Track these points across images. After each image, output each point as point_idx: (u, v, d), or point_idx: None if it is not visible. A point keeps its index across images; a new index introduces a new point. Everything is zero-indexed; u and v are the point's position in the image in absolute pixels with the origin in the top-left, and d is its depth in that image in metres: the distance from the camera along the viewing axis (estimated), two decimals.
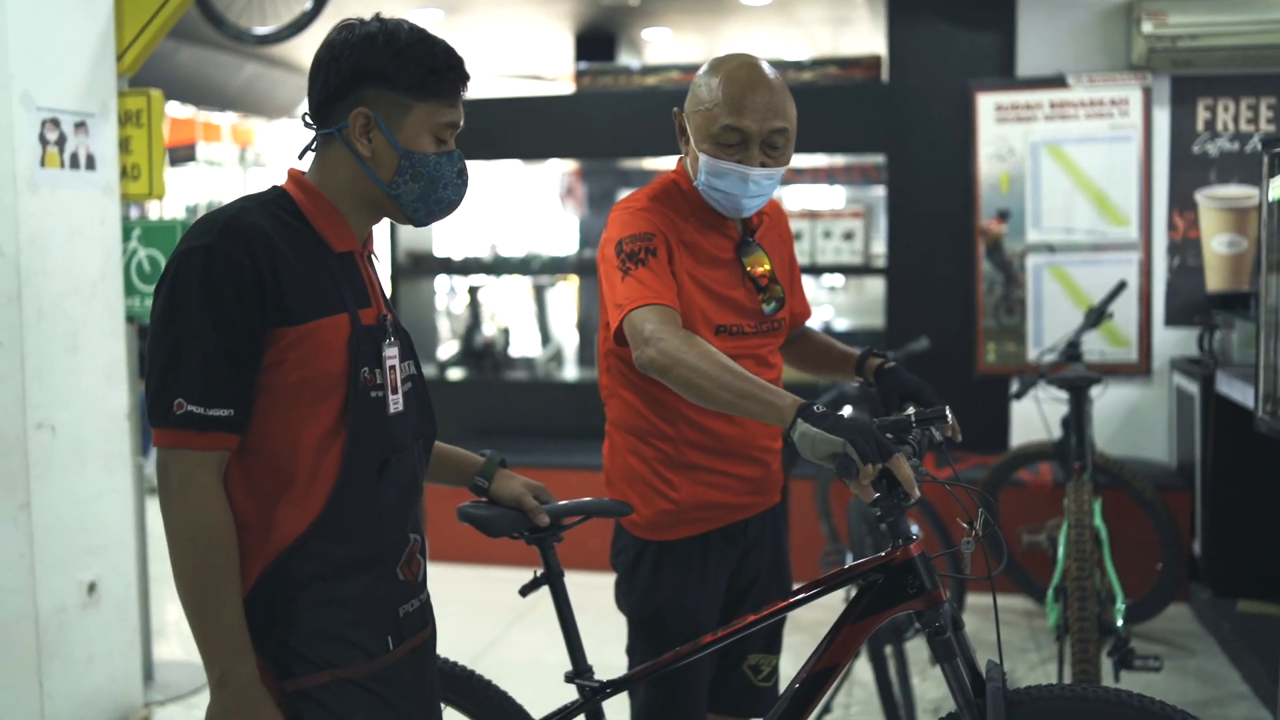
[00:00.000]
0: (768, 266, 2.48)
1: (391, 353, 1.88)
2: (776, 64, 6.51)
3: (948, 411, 2.15)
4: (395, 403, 1.87)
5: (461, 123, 1.89)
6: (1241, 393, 4.39)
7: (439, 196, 1.88)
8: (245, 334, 1.71)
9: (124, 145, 4.07)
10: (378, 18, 1.85)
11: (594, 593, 2.76)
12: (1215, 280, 5.57)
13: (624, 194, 2.54)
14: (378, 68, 1.79)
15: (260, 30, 5.31)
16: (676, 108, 2.46)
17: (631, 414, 2.46)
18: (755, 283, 2.45)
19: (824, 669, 2.10)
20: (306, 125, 1.88)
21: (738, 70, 2.32)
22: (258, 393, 1.75)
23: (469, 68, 1.89)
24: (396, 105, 1.81)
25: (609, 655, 2.75)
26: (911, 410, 2.18)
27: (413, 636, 1.92)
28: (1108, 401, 5.46)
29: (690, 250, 2.39)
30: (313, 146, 1.90)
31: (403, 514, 1.89)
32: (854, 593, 2.14)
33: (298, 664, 1.77)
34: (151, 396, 1.72)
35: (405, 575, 1.90)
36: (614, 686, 2.28)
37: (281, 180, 1.91)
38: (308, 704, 1.77)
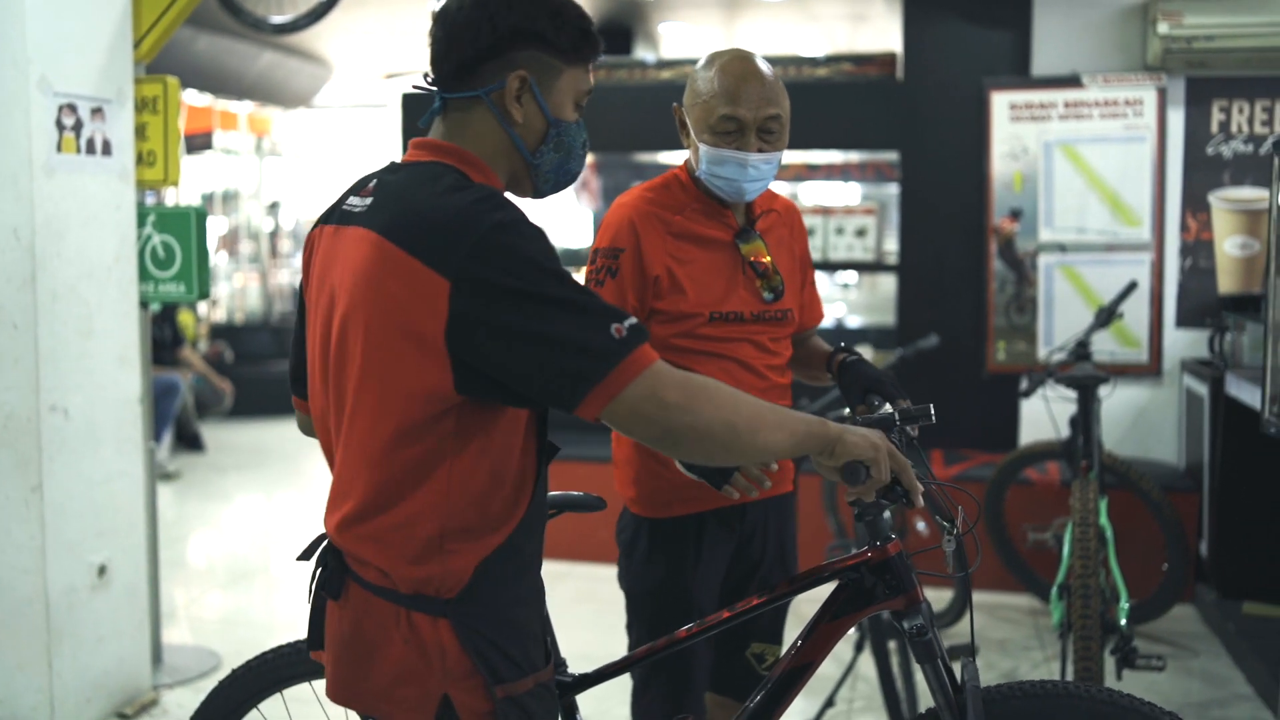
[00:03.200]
0: (768, 258, 2.54)
1: None
2: (791, 60, 6.54)
3: (931, 409, 2.11)
4: None
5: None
6: (1251, 395, 4.39)
7: (569, 167, 1.82)
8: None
9: (140, 132, 4.10)
10: None
11: (598, 584, 2.78)
12: (1227, 282, 5.56)
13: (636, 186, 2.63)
14: (539, 28, 1.71)
15: (277, 19, 5.32)
16: (676, 103, 2.55)
17: None
18: (754, 268, 2.52)
19: (799, 666, 2.06)
20: (428, 88, 1.78)
21: (731, 63, 2.43)
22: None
23: (617, 62, 1.88)
24: (549, 69, 1.73)
25: (612, 645, 2.77)
26: (890, 407, 2.14)
27: None
28: (1117, 402, 5.46)
29: (683, 238, 2.48)
30: (436, 111, 1.78)
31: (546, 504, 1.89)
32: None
33: (508, 668, 1.71)
34: (582, 351, 1.54)
35: None
36: (587, 680, 2.20)
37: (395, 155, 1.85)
38: (514, 710, 1.71)
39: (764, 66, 2.45)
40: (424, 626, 1.70)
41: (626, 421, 1.59)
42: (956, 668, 2.01)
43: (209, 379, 8.81)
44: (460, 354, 1.59)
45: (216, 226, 12.20)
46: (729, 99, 2.39)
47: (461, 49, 1.72)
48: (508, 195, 1.71)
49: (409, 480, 1.68)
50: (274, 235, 12.83)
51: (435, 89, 1.78)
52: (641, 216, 2.48)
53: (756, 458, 1.71)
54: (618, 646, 2.70)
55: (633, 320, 1.59)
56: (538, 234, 1.61)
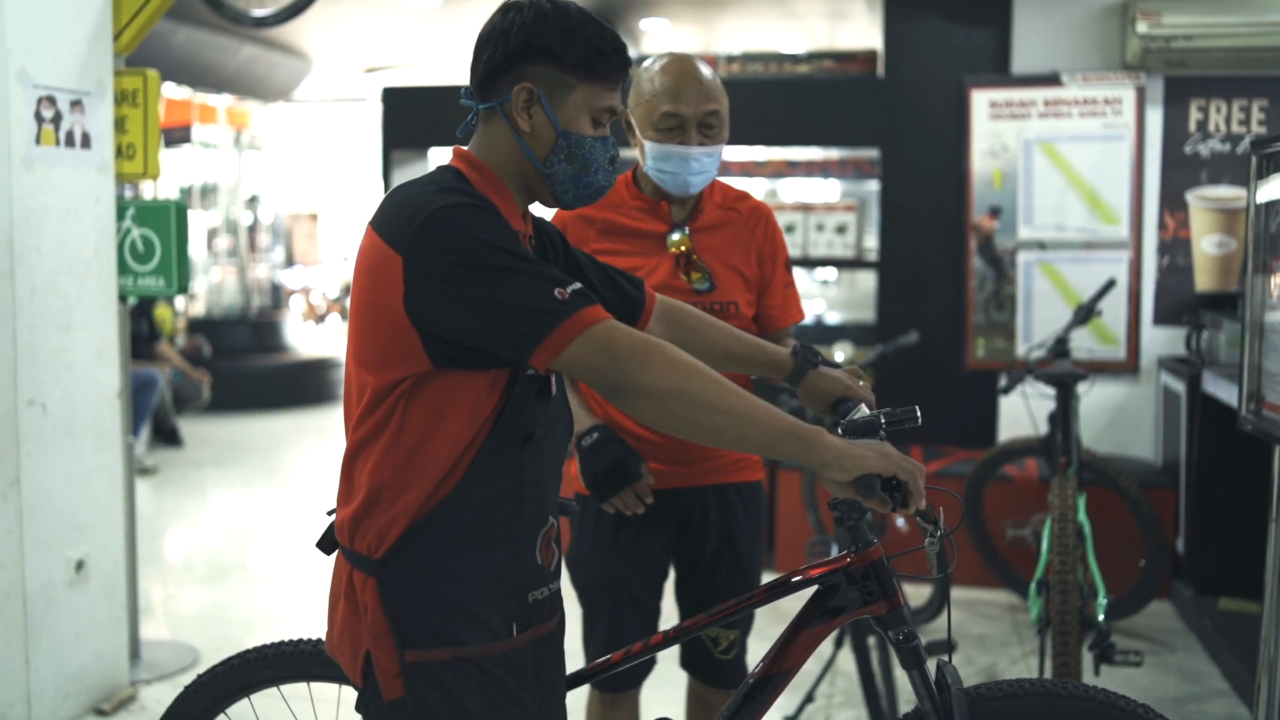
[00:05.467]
0: (691, 250, 2.66)
1: None
2: (772, 56, 6.55)
3: (917, 411, 2.08)
4: (555, 385, 1.89)
5: (619, 110, 1.91)
6: (1227, 392, 4.42)
7: (589, 180, 1.88)
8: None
9: (119, 124, 4.08)
10: None
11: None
12: (1204, 280, 5.60)
13: None
14: (547, 44, 1.80)
15: (258, 13, 5.29)
16: (622, 105, 2.58)
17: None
18: (688, 260, 2.64)
19: (778, 672, 2.05)
20: (465, 100, 1.90)
21: (671, 64, 2.60)
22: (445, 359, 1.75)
23: (630, 55, 1.91)
24: (560, 83, 1.82)
25: (572, 643, 2.80)
26: (879, 411, 2.12)
27: (539, 625, 1.90)
28: (1095, 399, 5.49)
29: (611, 234, 2.67)
30: (473, 123, 1.91)
31: (541, 491, 1.89)
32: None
33: (422, 635, 1.77)
34: (524, 317, 1.67)
35: (542, 559, 1.90)
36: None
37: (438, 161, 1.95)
38: (424, 678, 1.76)
39: (703, 67, 2.61)
40: (358, 584, 1.82)
41: (578, 372, 1.71)
42: (932, 666, 2.02)
43: (186, 374, 8.77)
44: (421, 324, 1.72)
45: (205, 220, 12.15)
46: (670, 97, 2.55)
47: (481, 64, 1.86)
48: (471, 189, 1.79)
49: (367, 439, 1.81)
50: (252, 229, 12.77)
51: (472, 102, 1.91)
52: (574, 217, 2.65)
53: (714, 439, 1.75)
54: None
55: (577, 285, 1.71)
56: (485, 217, 1.73)
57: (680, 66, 2.58)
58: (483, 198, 1.80)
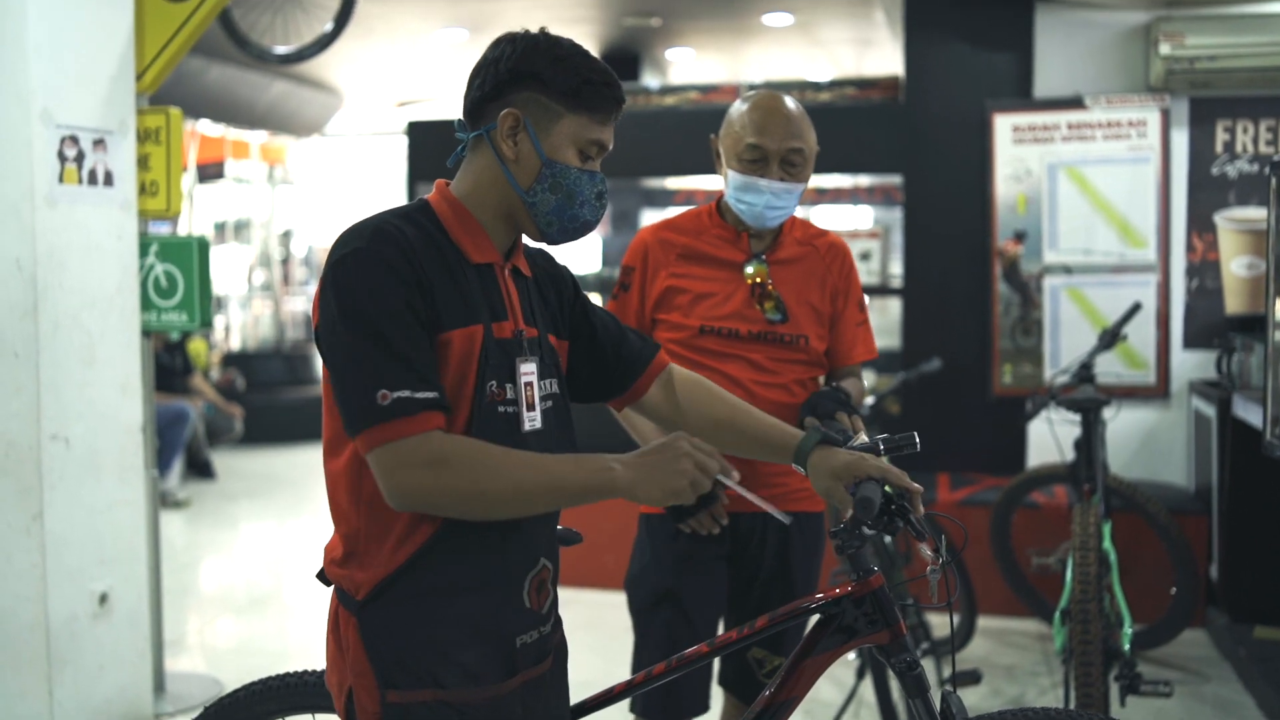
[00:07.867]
0: (766, 280, 2.71)
1: (528, 368, 1.83)
2: (796, 84, 6.56)
3: (915, 437, 2.05)
4: (531, 420, 1.83)
5: (610, 146, 1.88)
6: (1259, 416, 4.35)
7: (574, 213, 1.85)
8: (416, 322, 1.70)
9: (143, 162, 4.13)
10: (543, 30, 1.86)
11: (603, 610, 2.81)
12: (1234, 303, 5.53)
13: (646, 213, 2.86)
14: (536, 70, 1.79)
15: (282, 50, 5.37)
16: (713, 134, 2.79)
17: None
18: (763, 290, 2.70)
19: (782, 702, 2.04)
20: (458, 131, 1.89)
21: (762, 100, 2.71)
22: None
23: (624, 92, 1.89)
24: (547, 111, 1.80)
25: (615, 673, 2.77)
26: (877, 438, 2.11)
27: (529, 669, 1.86)
28: (1126, 424, 5.43)
29: (690, 259, 2.76)
30: (462, 153, 1.90)
31: (530, 535, 1.84)
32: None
33: (404, 676, 1.75)
34: (348, 401, 1.69)
35: (532, 603, 1.85)
36: (584, 708, 2.14)
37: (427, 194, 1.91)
38: (403, 719, 1.75)
39: (792, 105, 2.70)
40: (342, 620, 1.83)
41: (377, 475, 1.70)
42: (937, 697, 2.00)
43: (220, 407, 8.84)
44: (322, 355, 1.76)
45: (240, 255, 12.28)
46: (756, 130, 2.65)
47: (471, 92, 1.85)
48: (391, 228, 1.75)
49: (338, 486, 1.84)
50: (285, 263, 12.90)
51: (464, 134, 1.90)
52: (656, 240, 2.78)
53: (524, 515, 1.77)
54: (621, 674, 2.69)
55: (404, 394, 1.66)
56: (382, 273, 1.70)
57: (769, 103, 2.68)
58: (434, 234, 1.79)
